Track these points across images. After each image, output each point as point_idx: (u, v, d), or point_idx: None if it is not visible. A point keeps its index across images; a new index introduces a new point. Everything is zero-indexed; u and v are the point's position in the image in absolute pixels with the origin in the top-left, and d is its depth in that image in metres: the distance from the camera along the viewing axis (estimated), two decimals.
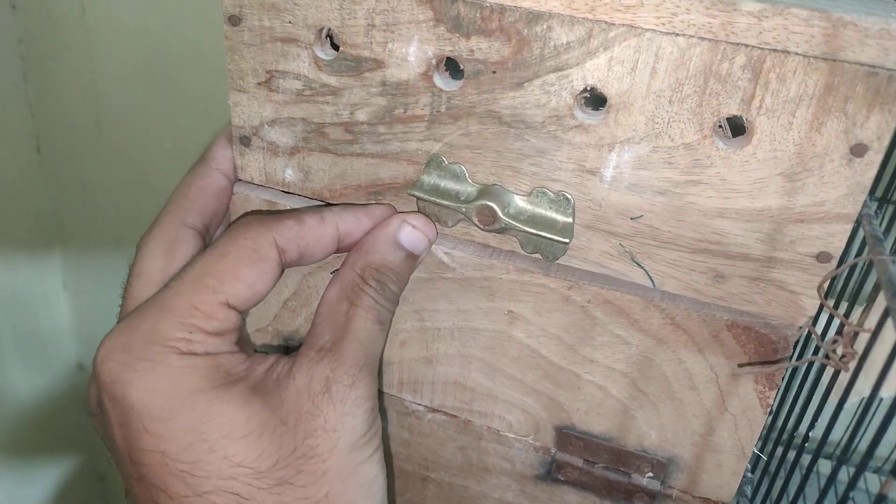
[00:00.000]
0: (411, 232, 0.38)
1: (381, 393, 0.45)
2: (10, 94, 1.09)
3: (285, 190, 0.42)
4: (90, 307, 1.30)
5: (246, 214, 0.39)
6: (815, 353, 0.34)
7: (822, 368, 0.45)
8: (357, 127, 0.38)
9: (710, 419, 0.38)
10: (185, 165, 1.04)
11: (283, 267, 0.37)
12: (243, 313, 0.36)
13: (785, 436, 0.53)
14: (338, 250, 0.39)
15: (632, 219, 0.36)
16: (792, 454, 0.77)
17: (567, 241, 0.36)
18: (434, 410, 0.45)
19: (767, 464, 0.57)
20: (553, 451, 0.43)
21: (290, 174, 0.41)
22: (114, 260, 1.22)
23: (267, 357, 0.37)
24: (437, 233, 0.39)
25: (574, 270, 0.38)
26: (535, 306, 0.38)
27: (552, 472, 0.44)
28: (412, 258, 0.39)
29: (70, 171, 1.17)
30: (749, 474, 0.45)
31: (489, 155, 0.37)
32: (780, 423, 0.57)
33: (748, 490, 0.49)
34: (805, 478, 0.48)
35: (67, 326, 1.33)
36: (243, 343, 0.39)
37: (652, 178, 0.34)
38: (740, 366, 0.35)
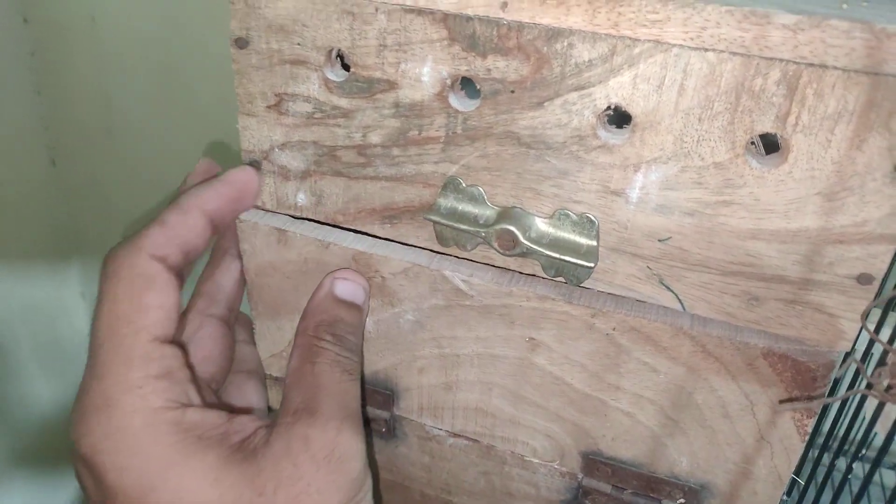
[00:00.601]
0: (345, 284, 0.39)
1: (400, 418, 0.44)
2: (24, 108, 1.09)
3: (297, 215, 0.41)
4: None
5: (113, 248, 0.37)
6: (856, 380, 0.33)
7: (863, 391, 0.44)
8: (370, 149, 0.37)
9: (744, 447, 0.36)
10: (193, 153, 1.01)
11: (178, 271, 0.36)
12: (178, 346, 0.35)
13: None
14: (216, 231, 0.39)
15: (660, 241, 0.34)
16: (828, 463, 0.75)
17: (592, 265, 0.35)
18: (456, 435, 0.44)
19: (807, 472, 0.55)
20: (580, 476, 0.42)
21: (302, 198, 0.40)
22: None
23: (246, 424, 0.35)
24: (367, 282, 0.39)
25: (598, 296, 0.36)
26: (558, 334, 0.37)
27: (579, 498, 0.42)
28: (356, 308, 0.39)
29: (85, 182, 1.17)
30: (785, 497, 0.43)
31: (508, 177, 0.35)
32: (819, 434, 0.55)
33: None
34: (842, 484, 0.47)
35: (86, 336, 1.33)
36: (208, 389, 0.38)
37: (681, 198, 0.33)
38: (781, 402, 0.33)
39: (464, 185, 0.36)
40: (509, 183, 0.35)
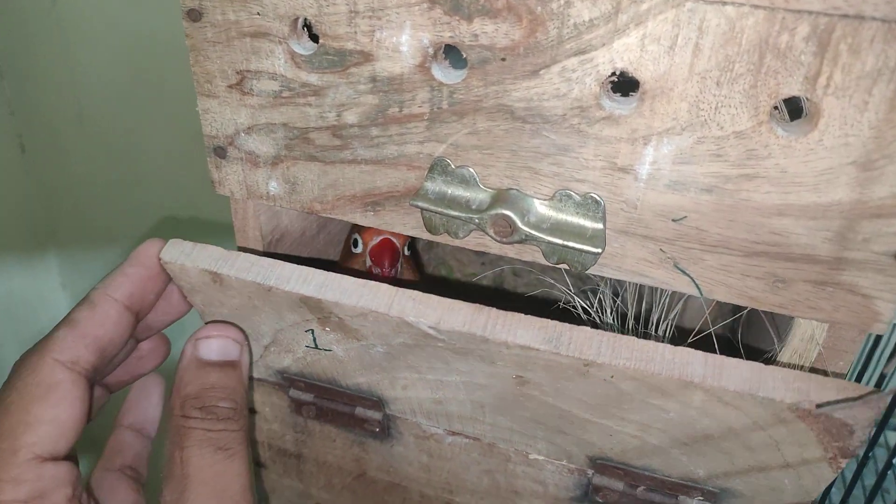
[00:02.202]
0: (210, 344, 0.35)
1: (394, 417, 0.41)
2: None
3: (271, 204, 0.37)
4: None
5: (25, 352, 0.34)
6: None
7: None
8: (346, 130, 0.33)
9: (769, 472, 0.33)
10: (170, 154, 0.98)
11: (91, 374, 0.33)
12: (68, 460, 0.31)
13: None
14: (140, 316, 0.35)
15: (674, 220, 0.31)
16: None
17: (599, 250, 0.31)
18: (454, 433, 0.41)
19: None
20: (590, 473, 0.39)
21: (274, 187, 0.36)
22: (110, 255, 1.17)
23: None
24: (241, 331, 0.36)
25: (590, 340, 0.31)
26: (548, 375, 0.33)
27: (590, 495, 0.40)
28: (230, 367, 0.35)
29: (57, 169, 1.12)
30: None
31: (502, 155, 0.32)
32: None
33: None
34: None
35: None
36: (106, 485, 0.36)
37: (697, 173, 0.29)
38: (818, 406, 0.29)
39: (453, 166, 0.32)
40: (503, 162, 0.32)
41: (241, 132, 0.35)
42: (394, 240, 0.44)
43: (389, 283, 0.34)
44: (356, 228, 0.45)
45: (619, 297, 0.40)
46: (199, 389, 0.34)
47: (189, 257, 0.34)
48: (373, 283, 0.33)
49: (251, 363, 0.38)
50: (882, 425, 0.57)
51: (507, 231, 0.32)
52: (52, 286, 1.24)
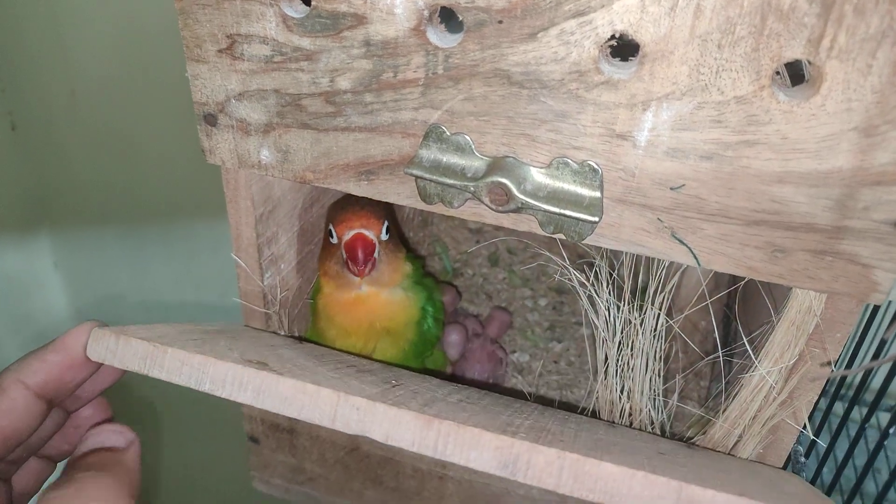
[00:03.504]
0: (101, 434, 0.32)
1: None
2: None
3: (263, 173, 0.36)
4: (85, 286, 1.25)
5: None
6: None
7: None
8: (339, 97, 0.33)
9: None
10: (164, 131, 0.97)
11: (46, 401, 0.32)
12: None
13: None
14: (56, 402, 0.34)
15: (672, 189, 0.30)
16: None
17: (596, 219, 0.31)
18: None
19: None
20: None
21: (266, 155, 0.36)
22: (103, 234, 1.17)
23: None
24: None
25: (550, 467, 0.28)
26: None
27: None
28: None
29: (48, 147, 1.10)
30: (803, 459, 0.40)
31: (498, 122, 0.31)
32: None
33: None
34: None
35: (64, 307, 1.29)
36: None
37: (696, 140, 0.29)
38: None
39: (448, 133, 0.32)
40: (500, 129, 0.31)
41: (232, 98, 0.34)
42: (367, 233, 0.42)
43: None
44: (330, 217, 0.44)
45: (616, 271, 0.40)
46: None
47: (115, 356, 0.32)
48: (312, 388, 0.30)
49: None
50: (874, 406, 0.56)
51: (503, 199, 0.31)
52: (44, 266, 1.23)
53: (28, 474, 0.36)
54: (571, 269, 0.39)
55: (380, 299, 0.46)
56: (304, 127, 0.34)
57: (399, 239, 0.49)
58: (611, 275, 0.40)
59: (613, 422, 0.38)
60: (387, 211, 0.45)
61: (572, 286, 0.67)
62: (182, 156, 1.00)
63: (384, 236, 0.44)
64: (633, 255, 0.40)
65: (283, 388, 0.30)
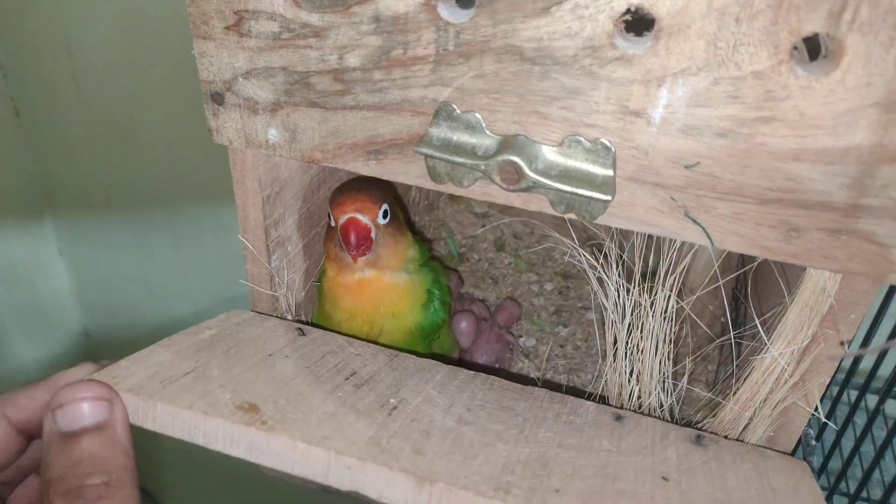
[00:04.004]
0: (66, 411, 0.30)
1: None
2: None
3: (271, 153, 0.36)
4: (90, 271, 1.26)
5: None
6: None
7: None
8: (348, 74, 0.32)
9: None
10: (168, 116, 0.96)
11: (27, 436, 0.32)
12: None
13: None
14: (35, 437, 0.33)
15: (686, 167, 0.30)
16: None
17: (609, 198, 0.30)
18: None
19: None
20: None
21: (273, 134, 0.35)
22: (107, 220, 1.16)
23: None
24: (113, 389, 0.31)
25: None
26: None
27: None
28: (98, 430, 0.30)
29: (52, 132, 1.10)
30: (814, 442, 0.40)
31: (510, 99, 0.30)
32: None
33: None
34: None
35: (68, 293, 1.29)
36: None
37: (712, 116, 0.28)
38: None
39: (458, 111, 0.31)
40: (511, 107, 0.31)
41: (239, 77, 0.34)
42: (361, 218, 0.42)
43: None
44: (330, 200, 0.44)
45: (625, 253, 0.40)
46: (63, 469, 0.29)
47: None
48: (302, 447, 0.30)
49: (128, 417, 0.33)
50: (864, 389, 0.56)
51: (514, 178, 0.31)
52: (49, 252, 1.23)
53: (28, 491, 0.36)
54: (580, 251, 0.39)
55: (382, 283, 0.45)
56: (313, 105, 0.34)
57: (406, 222, 0.48)
58: (620, 257, 0.40)
59: (620, 415, 0.38)
60: (389, 195, 0.44)
61: (581, 268, 0.67)
62: (187, 140, 0.99)
63: (381, 220, 0.43)
64: (644, 236, 0.40)
65: (274, 444, 0.31)
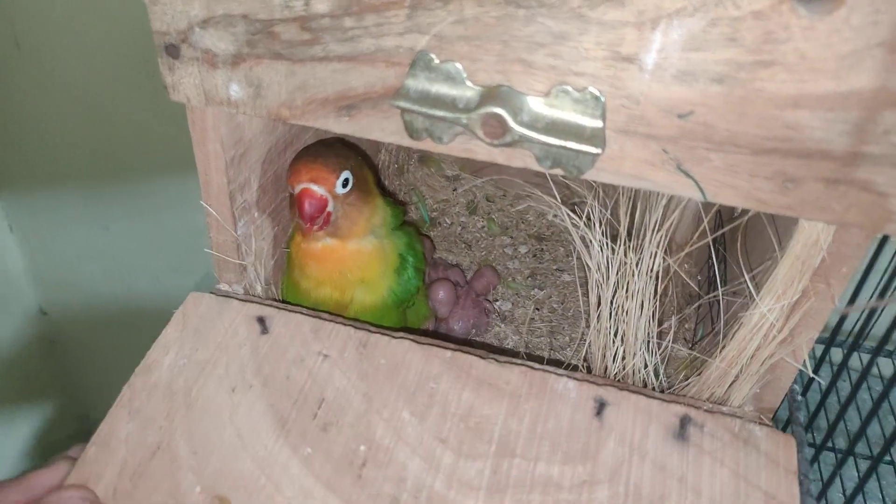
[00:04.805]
0: None
1: None
2: None
3: (233, 111, 0.33)
4: (43, 248, 1.20)
5: None
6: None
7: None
8: (316, 22, 0.30)
9: None
10: (119, 79, 0.90)
11: None
12: None
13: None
14: None
15: (679, 116, 0.28)
16: None
17: (598, 151, 0.29)
18: None
19: None
20: None
21: (236, 90, 0.33)
22: (60, 195, 1.11)
23: None
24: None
25: None
26: None
27: None
28: None
29: None
30: (800, 397, 0.40)
31: (492, 47, 0.28)
32: None
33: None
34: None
35: (22, 271, 1.24)
36: None
37: (708, 61, 0.27)
38: None
39: (437, 61, 0.29)
40: (493, 55, 0.29)
41: (196, 26, 0.31)
42: (315, 188, 0.39)
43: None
44: (288, 168, 0.41)
45: (609, 211, 0.38)
46: None
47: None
48: None
49: None
50: (852, 348, 0.56)
51: (499, 132, 0.29)
52: None
53: None
54: (564, 209, 0.37)
55: (347, 250, 0.43)
56: (278, 57, 0.31)
57: (376, 184, 0.46)
58: (602, 213, 0.38)
59: (603, 402, 0.36)
60: (351, 160, 0.42)
61: (555, 230, 0.66)
62: (140, 105, 0.94)
63: (341, 189, 0.41)
64: (630, 192, 0.39)
65: None
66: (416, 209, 0.67)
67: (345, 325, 0.40)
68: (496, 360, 0.38)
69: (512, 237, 0.66)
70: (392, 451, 0.35)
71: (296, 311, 0.40)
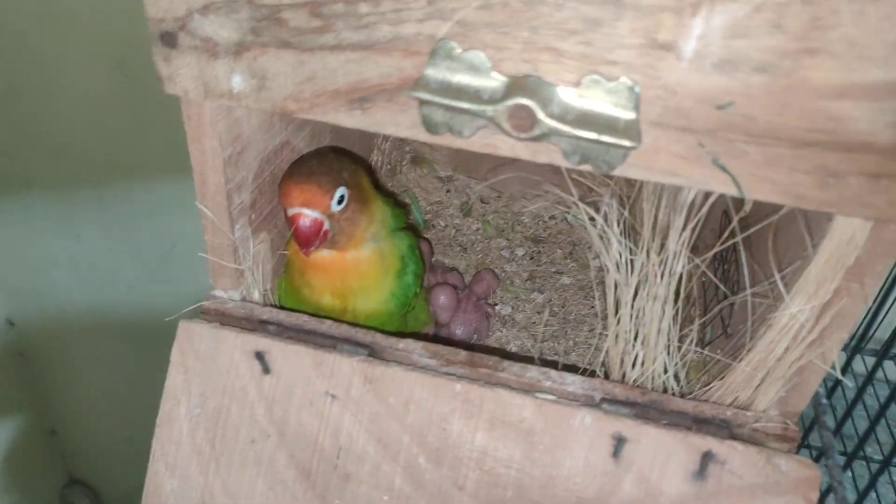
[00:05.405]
0: None
1: None
2: None
3: (235, 104, 0.31)
4: (11, 256, 1.15)
5: None
6: None
7: None
8: (328, 7, 0.28)
9: None
10: (90, 81, 0.86)
11: None
12: None
13: None
14: None
15: (718, 108, 0.27)
16: None
17: (635, 144, 0.27)
18: None
19: None
20: None
21: (238, 82, 0.30)
22: (27, 200, 1.07)
23: None
24: None
25: None
26: None
27: None
28: None
29: None
30: (825, 400, 0.39)
31: (519, 34, 0.27)
32: None
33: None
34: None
35: None
36: None
37: (751, 49, 0.25)
38: None
39: (459, 49, 0.27)
40: (520, 43, 0.27)
41: (195, 12, 0.29)
42: (309, 213, 0.38)
43: None
44: (279, 184, 0.39)
45: (627, 209, 0.37)
46: None
47: None
48: None
49: None
50: (882, 354, 0.53)
51: (527, 124, 0.27)
52: None
53: None
54: (582, 205, 0.36)
55: (345, 261, 0.41)
56: (285, 46, 0.29)
57: (374, 187, 0.44)
58: (621, 212, 0.37)
59: (622, 438, 0.35)
60: (346, 171, 0.40)
61: (551, 232, 0.64)
62: (112, 108, 0.91)
63: (336, 207, 0.39)
64: (654, 188, 0.37)
65: None
66: (409, 211, 0.65)
67: (347, 356, 0.37)
68: (509, 389, 0.36)
69: (508, 239, 0.64)
70: (414, 501, 0.34)
71: (294, 341, 0.38)
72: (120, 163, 0.99)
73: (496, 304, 0.57)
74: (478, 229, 0.65)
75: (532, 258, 0.63)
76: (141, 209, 1.02)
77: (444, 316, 0.52)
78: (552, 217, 0.65)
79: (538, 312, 0.57)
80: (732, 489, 0.34)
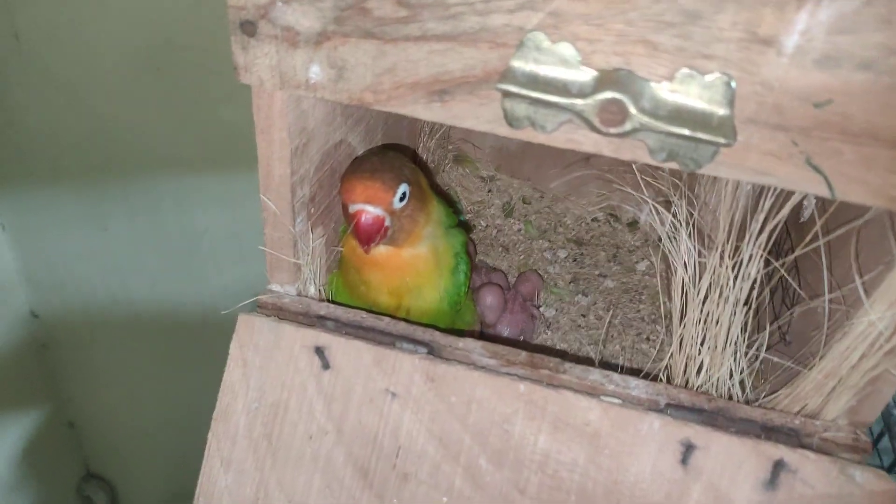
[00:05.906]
0: None
1: None
2: None
3: (311, 94, 0.31)
4: (37, 248, 1.16)
5: None
6: None
7: None
8: None
9: None
10: (120, 76, 0.86)
11: None
12: None
13: None
14: None
15: (815, 105, 0.26)
16: None
17: (729, 141, 0.26)
18: None
19: None
20: None
21: (316, 72, 0.30)
22: (55, 192, 1.07)
23: None
24: None
25: None
26: None
27: None
28: None
29: None
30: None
31: (613, 26, 0.26)
32: None
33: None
34: None
35: (14, 272, 1.19)
36: None
37: (856, 45, 0.24)
38: None
39: (548, 42, 0.27)
40: (613, 35, 0.26)
41: (279, 1, 0.28)
42: (372, 210, 0.37)
43: None
44: (342, 179, 0.39)
45: (697, 211, 0.36)
46: None
47: None
48: None
49: None
50: None
51: (618, 119, 0.26)
52: None
53: None
54: (652, 202, 0.35)
55: (402, 258, 0.41)
56: (367, 36, 0.28)
57: (429, 185, 0.44)
58: (690, 214, 0.36)
59: (691, 445, 0.34)
60: (407, 168, 0.40)
61: (594, 234, 0.63)
62: (141, 103, 0.91)
63: (398, 204, 0.39)
64: (725, 187, 0.36)
65: None
66: (460, 209, 0.64)
67: (408, 354, 0.37)
68: (574, 392, 0.36)
69: (550, 241, 0.63)
70: (474, 503, 0.34)
71: (353, 337, 0.37)
72: (148, 157, 0.99)
73: (540, 306, 0.57)
74: (519, 230, 0.64)
75: (575, 260, 0.62)
76: (168, 204, 1.02)
77: (491, 316, 0.51)
78: (595, 219, 0.65)
79: (583, 315, 0.57)
80: (804, 499, 0.33)
